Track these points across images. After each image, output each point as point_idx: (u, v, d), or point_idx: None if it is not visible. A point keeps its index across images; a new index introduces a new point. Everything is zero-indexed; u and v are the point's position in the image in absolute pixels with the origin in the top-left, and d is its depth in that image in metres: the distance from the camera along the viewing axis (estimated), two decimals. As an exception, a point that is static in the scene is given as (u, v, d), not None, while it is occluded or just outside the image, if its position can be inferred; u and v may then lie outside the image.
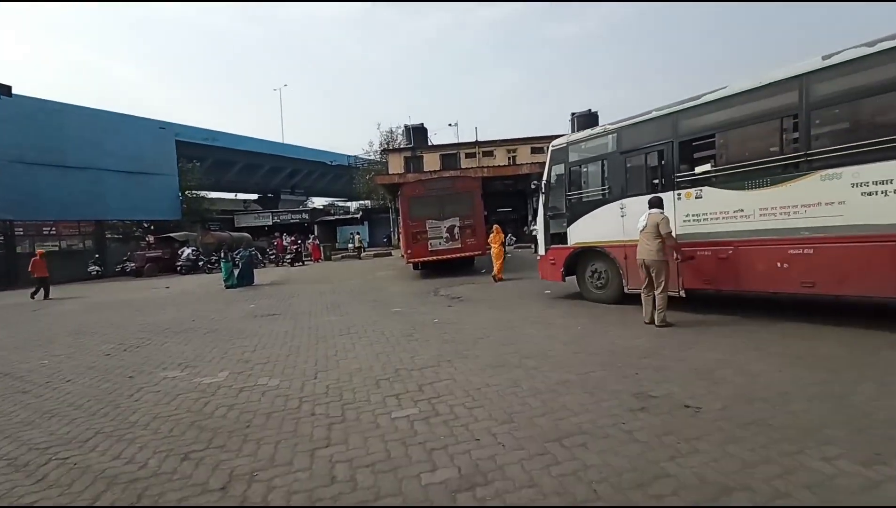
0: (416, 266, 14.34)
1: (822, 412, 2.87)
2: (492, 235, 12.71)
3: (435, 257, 12.91)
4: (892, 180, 4.25)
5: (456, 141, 33.38)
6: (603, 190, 7.02)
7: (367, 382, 4.09)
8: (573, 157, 7.47)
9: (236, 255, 16.77)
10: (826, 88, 4.75)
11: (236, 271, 14.34)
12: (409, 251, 13.19)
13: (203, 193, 34.46)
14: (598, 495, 2.18)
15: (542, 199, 8.03)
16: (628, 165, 6.65)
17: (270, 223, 41.21)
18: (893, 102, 4.41)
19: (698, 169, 5.95)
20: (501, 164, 29.59)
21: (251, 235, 31.76)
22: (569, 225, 7.47)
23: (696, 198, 5.77)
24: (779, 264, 5.04)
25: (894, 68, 4.28)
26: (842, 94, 4.72)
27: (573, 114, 30.56)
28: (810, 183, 4.79)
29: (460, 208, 13.00)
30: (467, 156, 31.19)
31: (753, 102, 5.31)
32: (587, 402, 3.28)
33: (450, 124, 50.25)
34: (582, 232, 7.26)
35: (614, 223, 6.66)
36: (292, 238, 27.95)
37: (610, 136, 6.86)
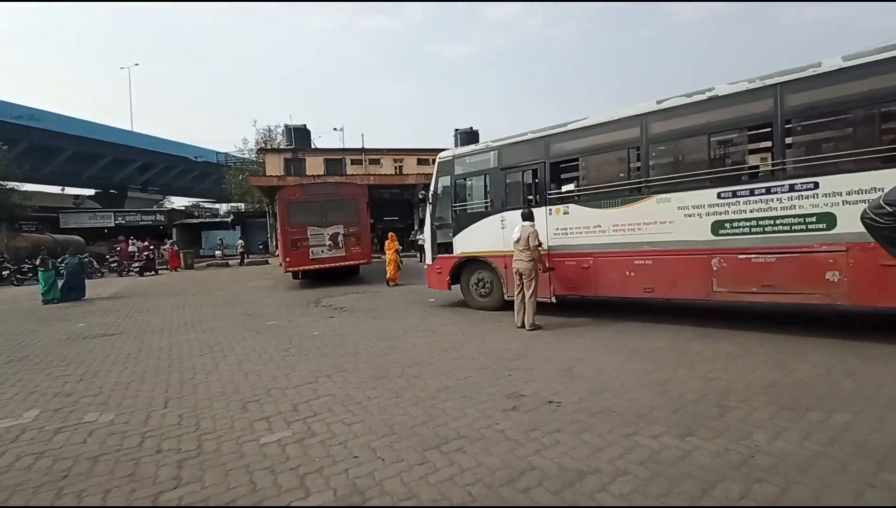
0: (295, 275, 13.46)
1: (651, 397, 3.43)
2: (387, 242, 13.07)
3: (317, 266, 12.29)
4: (703, 205, 5.34)
5: (342, 146, 32.46)
6: (486, 203, 7.46)
7: (232, 406, 3.66)
8: (458, 170, 7.81)
9: (60, 262, 13.69)
10: (659, 127, 5.78)
11: (60, 282, 11.71)
12: (287, 260, 12.31)
13: (13, 184, 27.39)
14: (473, 497, 2.26)
15: (429, 209, 8.22)
16: (508, 181, 7.19)
17: (112, 225, 34.74)
18: (702, 143, 5.57)
19: (565, 188, 6.81)
20: (388, 172, 29.68)
21: (84, 238, 26.21)
22: (455, 235, 7.78)
23: (564, 214, 6.51)
24: (627, 273, 5.94)
25: (703, 116, 5.44)
26: (669, 133, 5.79)
27: (457, 130, 32.23)
28: (649, 205, 5.73)
29: (345, 215, 12.62)
30: (353, 162, 30.57)
31: (607, 133, 6.25)
32: (465, 406, 3.41)
33: (335, 128, 48.77)
34: (467, 242, 7.61)
35: (496, 235, 7.12)
36: (144, 243, 23.95)
37: (492, 152, 7.34)
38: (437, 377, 4.14)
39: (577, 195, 6.57)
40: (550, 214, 6.61)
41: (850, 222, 4.34)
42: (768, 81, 4.94)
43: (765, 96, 4.98)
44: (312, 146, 31.93)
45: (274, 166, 28.74)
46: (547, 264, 6.42)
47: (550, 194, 6.65)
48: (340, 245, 12.49)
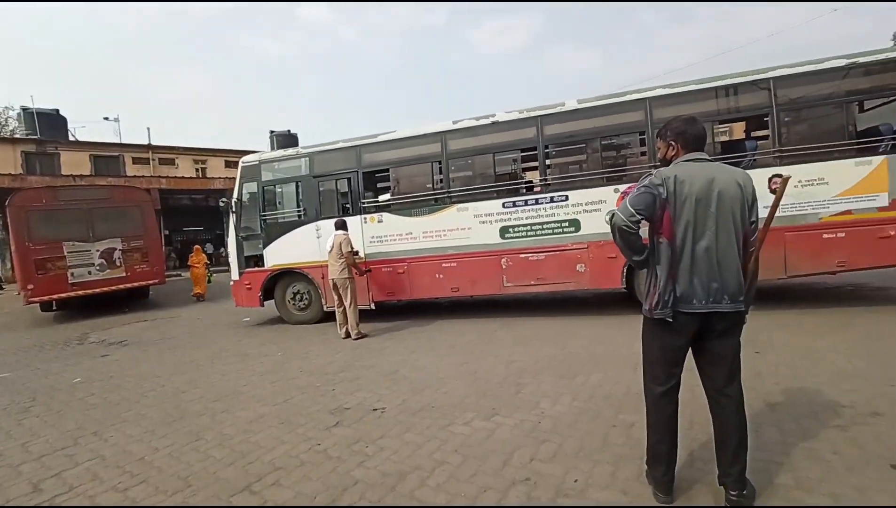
0: (47, 306, 10.26)
1: (464, 387, 3.79)
2: (191, 256, 11.75)
3: (81, 292, 9.60)
4: (493, 213, 6.27)
5: (119, 141, 26.23)
6: (299, 211, 7.14)
7: (-82, 508, 2.51)
8: (267, 176, 7.31)
9: None
10: (456, 144, 6.53)
11: None
12: (30, 287, 9.25)
13: None
14: (290, 532, 2.08)
15: (233, 219, 7.36)
16: (321, 189, 7.07)
17: None
18: (489, 160, 6.53)
19: (379, 197, 7.03)
20: (188, 175, 25.34)
21: None
22: (265, 247, 7.24)
23: (379, 222, 6.74)
24: (437, 276, 6.53)
25: (489, 137, 6.39)
26: (464, 150, 6.61)
27: (272, 132, 29.75)
28: (451, 214, 6.44)
29: (123, 225, 10.24)
30: (136, 161, 25.07)
31: (413, 147, 6.75)
32: (283, 433, 3.13)
33: (106, 118, 36.58)
34: (280, 254, 7.17)
35: (311, 244, 6.85)
36: None
37: (303, 159, 7.10)
38: (250, 407, 3.69)
39: (389, 204, 6.86)
40: (365, 222, 6.78)
41: (589, 226, 5.89)
42: (532, 113, 6.18)
43: (531, 125, 6.18)
44: (71, 137, 24.86)
45: (5, 161, 21.24)
46: (363, 268, 6.50)
47: (364, 203, 6.81)
48: (118, 264, 10.07)
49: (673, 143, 2.01)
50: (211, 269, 13.94)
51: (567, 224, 5.99)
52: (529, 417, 3.08)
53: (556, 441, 2.70)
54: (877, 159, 5.01)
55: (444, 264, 6.46)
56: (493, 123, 6.28)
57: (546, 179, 6.18)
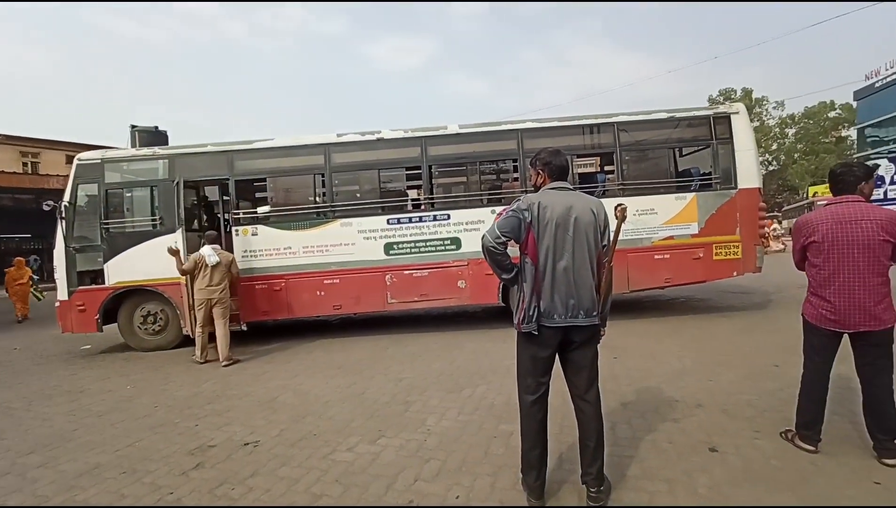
0: None
1: (350, 410, 3.62)
2: (10, 270, 10.00)
3: None
4: (377, 229, 6.24)
5: None
6: (154, 220, 6.24)
7: None
8: (112, 177, 6.31)
9: None
10: (340, 157, 6.39)
11: None
12: None
13: None
14: None
15: (61, 226, 6.11)
16: (183, 196, 6.21)
17: None
18: (374, 176, 6.47)
19: (255, 208, 6.56)
20: (10, 170, 20.60)
21: None
22: (107, 260, 6.13)
23: (253, 235, 6.20)
24: (318, 293, 6.23)
25: (374, 154, 6.38)
26: (349, 164, 6.52)
27: (134, 127, 25.73)
28: (335, 228, 6.23)
29: None
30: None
31: (294, 157, 6.44)
32: (124, 485, 2.62)
33: None
34: (127, 269, 6.12)
35: (169, 258, 5.87)
36: None
37: (161, 161, 6.25)
38: (81, 457, 3.03)
39: (266, 216, 6.41)
40: (237, 235, 6.19)
41: (469, 244, 6.18)
42: (417, 134, 6.38)
43: (416, 145, 6.37)
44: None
45: None
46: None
47: (237, 215, 6.25)
48: None
49: (541, 171, 2.23)
50: (40, 286, 11.47)
51: (449, 242, 6.23)
52: (415, 436, 3.05)
53: (441, 458, 2.71)
54: (689, 196, 6.20)
55: (325, 281, 6.19)
56: (379, 139, 6.31)
57: (430, 198, 6.39)
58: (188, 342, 6.05)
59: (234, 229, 6.21)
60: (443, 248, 6.23)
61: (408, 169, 6.65)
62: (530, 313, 2.07)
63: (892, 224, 2.26)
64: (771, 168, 47.84)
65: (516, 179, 6.58)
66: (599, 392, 2.19)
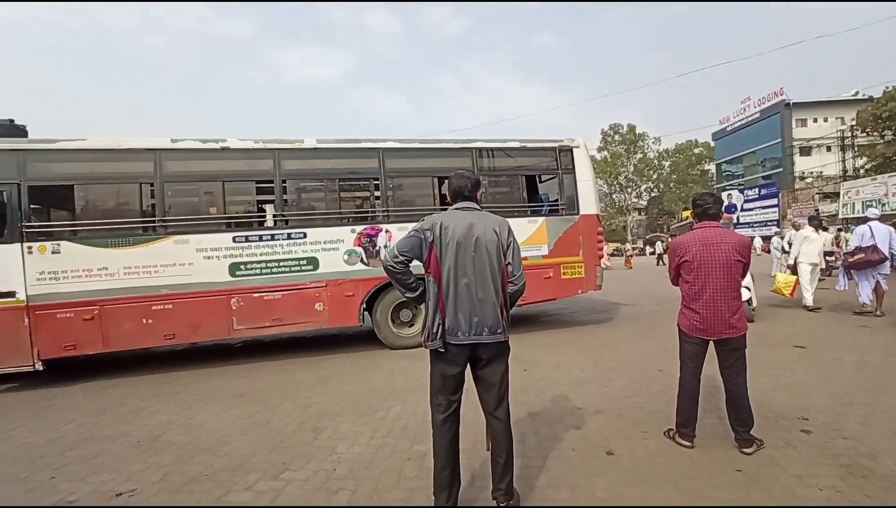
0: None
1: (252, 443, 3.29)
2: None
3: None
4: (221, 248, 5.61)
5: None
6: None
7: None
8: None
9: None
10: (175, 166, 5.64)
11: None
12: None
13: None
14: None
15: None
16: None
17: None
18: (218, 188, 5.84)
19: (55, 220, 5.57)
20: None
21: None
22: None
23: (54, 253, 5.15)
24: (144, 321, 5.37)
25: (218, 164, 5.80)
26: (186, 174, 5.81)
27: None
28: (167, 246, 5.45)
29: None
30: None
31: (114, 162, 5.55)
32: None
33: None
34: None
35: None
36: None
37: None
38: None
39: (73, 230, 5.36)
40: (31, 252, 5.09)
41: (328, 264, 5.90)
42: (269, 145, 5.88)
43: (267, 157, 5.87)
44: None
45: None
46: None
47: (30, 228, 5.16)
48: None
49: (448, 193, 2.30)
50: None
51: (305, 262, 5.86)
52: (324, 465, 2.86)
53: (351, 488, 2.57)
54: (540, 219, 6.66)
55: (154, 307, 5.37)
56: (224, 148, 5.72)
57: (284, 215, 5.94)
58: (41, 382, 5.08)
59: (25, 245, 5.07)
60: (298, 268, 5.82)
61: (259, 183, 6.13)
62: (434, 331, 2.11)
63: (743, 247, 2.71)
64: (653, 194, 54.90)
65: (378, 198, 6.36)
66: (509, 408, 2.25)
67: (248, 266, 5.68)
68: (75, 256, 5.19)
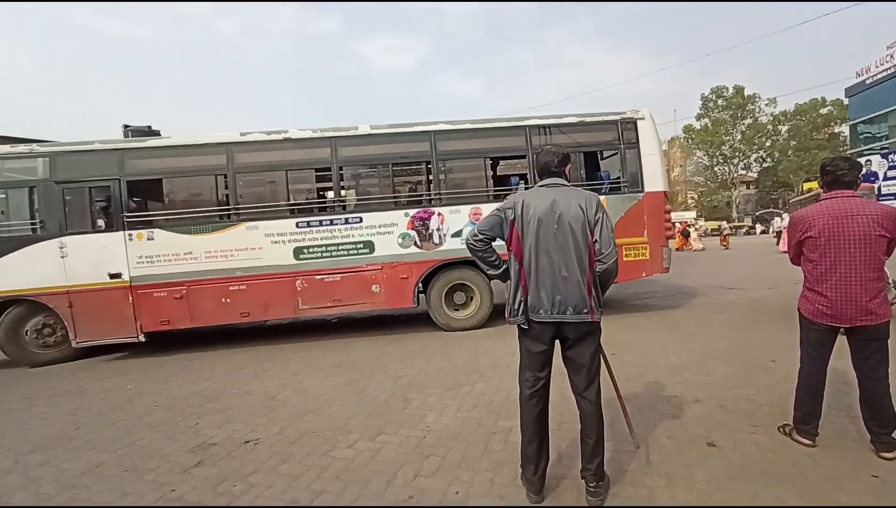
0: None
1: (350, 407, 3.63)
2: None
3: None
4: (286, 233, 5.99)
5: None
6: (35, 224, 5.79)
7: None
8: None
9: None
10: (244, 157, 6.08)
11: None
12: None
13: None
14: None
15: None
16: (68, 198, 5.82)
17: None
18: (282, 177, 6.26)
19: (150, 211, 6.20)
20: None
21: None
22: None
23: (149, 240, 5.84)
24: (223, 300, 5.94)
25: (281, 154, 6.10)
26: (254, 164, 6.17)
27: (126, 127, 25.38)
28: (239, 232, 5.94)
29: None
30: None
31: (193, 157, 6.11)
32: (124, 483, 2.62)
33: None
34: (6, 276, 5.67)
35: (52, 265, 5.67)
36: None
37: (41, 159, 5.79)
38: (82, 456, 3.03)
39: (163, 219, 6.02)
40: (131, 239, 5.80)
41: (383, 247, 6.11)
42: (327, 134, 6.12)
43: (325, 145, 6.11)
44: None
45: None
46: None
47: (130, 218, 5.84)
48: None
49: (536, 170, 2.26)
50: None
51: (362, 246, 6.10)
52: (415, 432, 3.06)
53: (440, 455, 2.72)
54: (600, 198, 6.47)
55: (231, 288, 5.91)
56: (286, 139, 6.07)
57: (342, 200, 6.24)
58: (87, 354, 6.07)
59: (126, 233, 5.80)
60: (355, 252, 6.09)
61: (318, 170, 6.47)
62: (515, 307, 2.13)
63: (887, 219, 2.28)
64: (765, 165, 48.02)
65: (430, 181, 6.48)
66: (599, 390, 2.20)
67: (311, 250, 6.02)
68: (166, 242, 5.84)
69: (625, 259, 6.22)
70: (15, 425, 3.75)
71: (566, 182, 2.24)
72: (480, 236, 2.20)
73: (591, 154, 6.88)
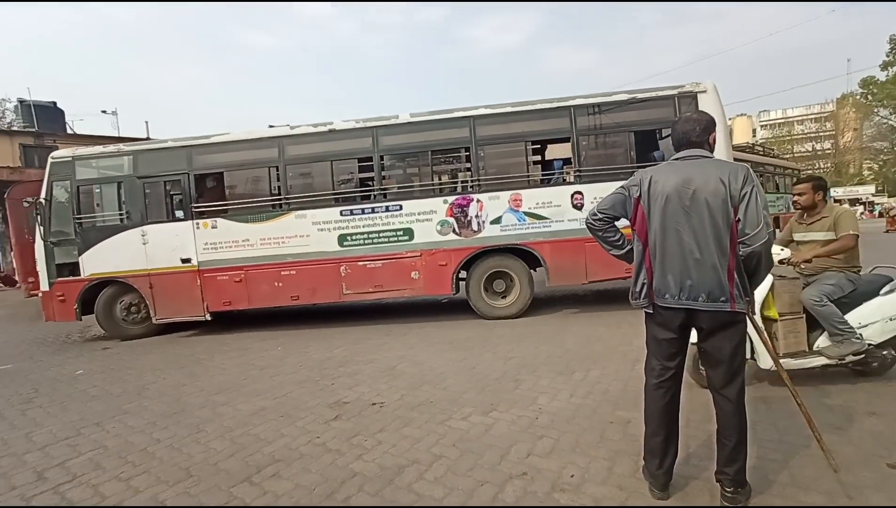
0: None
1: (463, 382, 3.80)
2: None
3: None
4: (331, 221, 6.27)
5: (117, 134, 26.11)
6: (121, 215, 6.56)
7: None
8: (82, 175, 6.63)
9: None
10: (293, 150, 6.42)
11: None
12: (31, 280, 9.24)
13: None
14: (288, 523, 2.10)
15: (39, 221, 6.57)
16: (147, 191, 6.55)
17: None
18: (327, 167, 6.43)
19: (213, 202, 6.65)
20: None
21: None
22: (81, 253, 6.51)
23: (213, 228, 6.40)
24: (276, 284, 6.36)
25: (326, 145, 6.35)
26: (302, 156, 6.52)
27: (272, 127, 29.45)
28: (290, 220, 6.33)
29: None
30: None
31: (248, 151, 6.55)
32: (283, 426, 3.15)
33: (104, 111, 39.61)
34: (99, 261, 6.49)
35: (137, 251, 6.42)
36: None
37: (126, 158, 6.56)
38: (250, 401, 3.71)
39: (224, 209, 6.54)
40: (198, 228, 6.42)
41: (422, 234, 6.21)
42: (368, 124, 6.27)
43: (367, 135, 6.25)
44: (69, 131, 24.78)
45: (3, 154, 21.15)
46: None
47: (196, 208, 6.44)
48: None
49: (673, 142, 2.04)
50: None
51: (402, 233, 6.22)
52: (527, 413, 3.09)
53: (553, 437, 2.71)
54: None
55: (282, 272, 6.32)
56: (331, 130, 6.29)
57: (383, 189, 6.39)
58: (167, 330, 6.84)
59: (194, 222, 6.40)
60: (395, 239, 6.21)
61: (360, 160, 6.53)
62: (637, 290, 2.01)
63: None
64: None
65: (468, 169, 6.34)
66: (743, 388, 1.94)
67: (354, 237, 6.26)
68: (227, 230, 6.38)
69: None
70: (203, 371, 4.74)
71: (709, 153, 1.98)
72: (600, 216, 2.09)
73: (646, 133, 6.48)
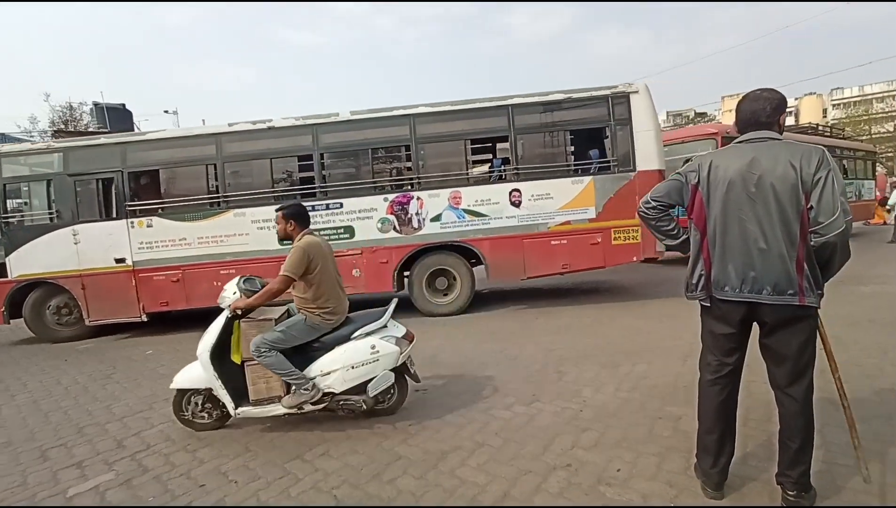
0: None
1: (504, 372, 3.79)
2: None
3: None
4: (270, 220, 5.75)
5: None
6: (52, 213, 6.33)
7: (24, 458, 2.88)
8: (10, 172, 6.41)
9: None
10: (232, 147, 6.31)
11: None
12: None
13: None
14: (338, 499, 2.20)
15: None
16: (79, 189, 6.35)
17: None
18: (266, 165, 6.32)
19: (148, 200, 6.46)
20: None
21: None
22: (8, 254, 6.27)
23: (148, 226, 6.25)
24: (215, 283, 5.87)
25: (266, 143, 6.24)
26: (241, 153, 6.42)
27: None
28: (228, 219, 6.21)
29: None
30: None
31: (186, 148, 6.45)
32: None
33: (166, 111, 42.89)
34: (28, 262, 6.25)
35: (67, 251, 6.22)
36: None
37: (56, 154, 6.34)
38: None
39: (160, 208, 6.36)
40: (133, 226, 6.26)
41: (362, 232, 6.18)
42: (308, 122, 6.16)
43: (307, 133, 6.18)
44: (137, 130, 26.71)
45: (81, 153, 23.08)
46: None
47: (131, 206, 6.27)
48: None
49: (737, 123, 1.90)
50: None
51: (342, 231, 6.17)
52: (570, 405, 3.05)
53: (598, 430, 2.67)
54: (586, 179, 6.04)
55: (222, 272, 6.08)
56: (270, 128, 6.19)
57: (324, 186, 6.31)
58: (97, 334, 6.60)
59: (128, 221, 6.21)
60: (336, 237, 6.11)
61: (301, 158, 6.45)
62: (693, 282, 1.91)
63: None
64: None
65: (409, 167, 6.34)
66: (811, 388, 1.82)
67: None
68: (163, 229, 6.22)
69: (613, 243, 6.04)
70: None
71: (778, 135, 1.82)
72: (653, 204, 1.97)
73: (582, 133, 6.47)
